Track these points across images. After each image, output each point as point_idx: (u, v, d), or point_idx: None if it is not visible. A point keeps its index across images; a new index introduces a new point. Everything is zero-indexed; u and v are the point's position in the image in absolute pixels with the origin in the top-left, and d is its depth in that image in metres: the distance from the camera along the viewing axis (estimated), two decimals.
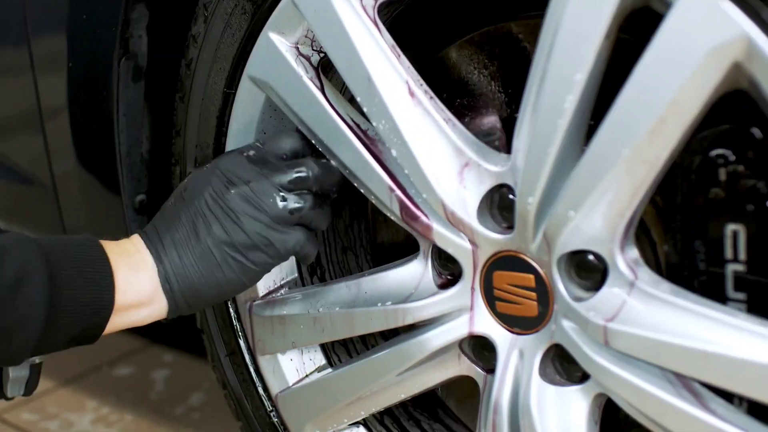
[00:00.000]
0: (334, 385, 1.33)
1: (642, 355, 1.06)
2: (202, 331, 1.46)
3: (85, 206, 1.55)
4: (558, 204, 1.07)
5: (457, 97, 1.30)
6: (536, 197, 1.09)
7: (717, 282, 1.09)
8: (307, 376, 1.38)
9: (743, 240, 1.06)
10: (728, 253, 1.07)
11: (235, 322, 1.41)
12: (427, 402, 1.47)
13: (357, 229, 1.45)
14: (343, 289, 1.30)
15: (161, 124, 1.45)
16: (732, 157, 1.07)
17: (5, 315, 1.11)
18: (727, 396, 1.06)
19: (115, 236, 1.26)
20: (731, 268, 1.07)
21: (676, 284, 1.07)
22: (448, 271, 1.23)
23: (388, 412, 1.42)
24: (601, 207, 1.05)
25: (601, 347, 1.09)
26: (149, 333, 2.15)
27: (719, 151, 1.07)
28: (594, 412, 1.15)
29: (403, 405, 1.44)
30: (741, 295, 1.07)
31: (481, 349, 1.23)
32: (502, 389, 1.19)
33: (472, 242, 1.18)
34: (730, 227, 1.07)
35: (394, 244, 1.45)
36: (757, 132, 1.05)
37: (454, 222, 1.17)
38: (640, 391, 1.07)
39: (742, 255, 1.06)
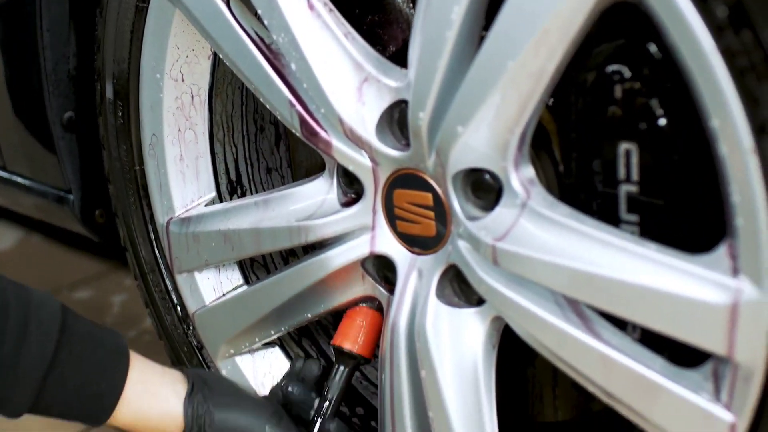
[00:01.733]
0: (244, 303, 1.32)
1: (529, 275, 1.04)
2: (125, 249, 1.45)
3: (15, 127, 1.54)
4: (447, 119, 1.04)
5: (368, 13, 1.27)
6: (427, 112, 1.06)
7: (611, 203, 1.06)
8: (224, 295, 1.37)
9: (636, 160, 1.03)
10: (621, 174, 1.04)
11: (154, 240, 1.40)
12: None
13: (282, 150, 1.42)
14: (251, 207, 1.28)
15: (89, 40, 1.43)
16: (628, 74, 1.03)
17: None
18: (622, 325, 1.05)
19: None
20: (624, 189, 1.04)
21: (573, 206, 1.04)
22: (352, 190, 1.21)
23: (307, 333, 1.41)
24: (489, 122, 1.02)
25: (492, 268, 1.07)
26: (115, 256, 2.16)
27: (615, 67, 1.04)
28: (492, 336, 1.13)
29: (323, 327, 1.43)
30: (633, 217, 1.04)
31: (384, 270, 1.21)
32: (400, 309, 1.17)
33: (372, 160, 1.15)
34: (624, 146, 1.03)
35: (314, 164, 1.43)
36: (653, 48, 1.01)
37: (353, 138, 1.15)
38: (528, 313, 1.05)
39: (635, 175, 1.03)
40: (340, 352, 1.26)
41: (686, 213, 1.01)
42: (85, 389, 1.17)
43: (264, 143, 1.40)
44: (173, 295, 1.40)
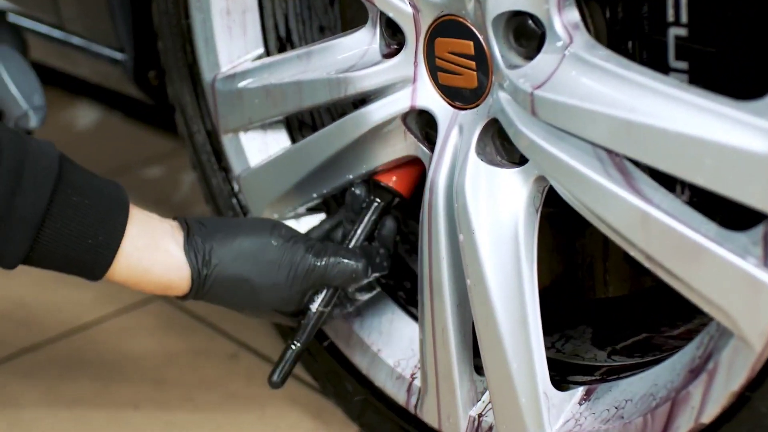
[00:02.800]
0: (286, 164, 1.27)
1: (567, 126, 0.95)
2: (173, 108, 1.40)
3: None
4: None
5: None
6: None
7: (660, 50, 0.96)
8: (269, 157, 1.31)
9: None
10: (670, 15, 0.94)
11: (199, 97, 1.35)
12: None
13: (337, 9, 1.35)
14: (294, 60, 1.21)
15: None
16: None
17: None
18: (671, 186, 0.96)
19: None
20: (673, 33, 0.95)
21: (619, 53, 0.95)
22: (394, 41, 1.13)
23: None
24: None
25: (531, 120, 0.99)
26: None
27: None
28: (535, 198, 1.05)
29: None
30: (683, 64, 0.95)
31: (426, 127, 1.14)
32: (439, 168, 1.09)
33: (413, 5, 1.07)
34: None
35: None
36: None
37: None
38: (566, 168, 0.96)
39: (684, 17, 0.93)
40: (377, 185, 1.20)
41: (738, 58, 0.92)
42: (82, 241, 1.12)
43: (317, 1, 1.33)
44: (219, 157, 1.35)
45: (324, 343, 1.32)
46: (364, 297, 1.25)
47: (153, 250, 1.16)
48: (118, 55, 1.49)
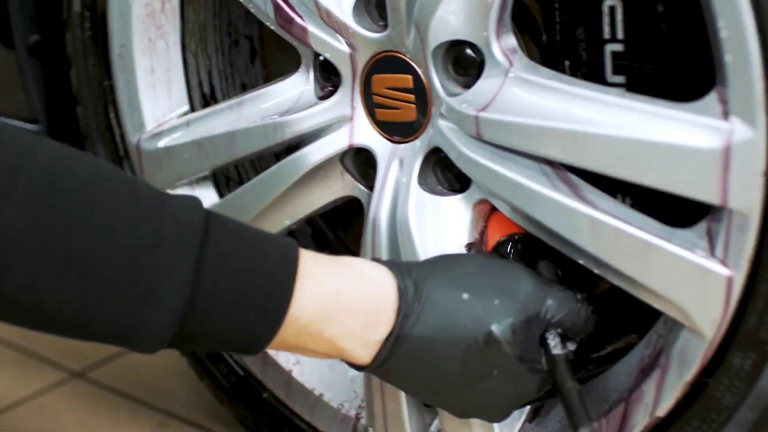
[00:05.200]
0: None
1: (514, 143, 1.01)
2: None
3: None
4: None
5: None
6: None
7: (597, 68, 1.03)
8: None
9: (620, 15, 1.01)
10: (606, 32, 1.01)
11: (124, 159, 1.36)
12: (329, 247, 1.41)
13: (258, 66, 1.39)
14: (225, 111, 1.24)
15: None
16: None
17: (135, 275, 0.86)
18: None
19: None
20: (610, 49, 1.01)
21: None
22: (330, 83, 1.17)
23: None
24: None
25: (475, 144, 1.04)
26: None
27: None
28: (477, 223, 1.10)
29: None
30: (620, 79, 1.02)
31: (364, 166, 1.17)
32: (380, 203, 1.13)
33: (349, 45, 1.12)
34: (608, 3, 1.01)
35: None
36: None
37: (329, 23, 1.11)
38: (514, 185, 1.01)
39: (620, 33, 1.00)
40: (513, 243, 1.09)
41: (674, 67, 0.99)
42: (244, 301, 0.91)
43: (239, 58, 1.37)
44: None
45: (263, 395, 1.32)
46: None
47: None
48: (31, 127, 1.49)
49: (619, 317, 1.19)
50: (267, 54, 1.38)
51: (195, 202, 0.91)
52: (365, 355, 0.98)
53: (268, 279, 0.92)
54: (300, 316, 0.93)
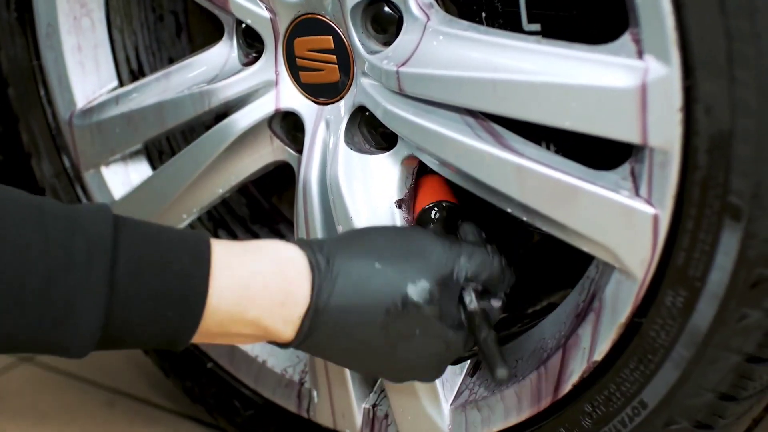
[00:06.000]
0: (150, 191, 1.27)
1: (435, 95, 1.00)
2: (30, 155, 1.39)
3: None
4: None
5: None
6: None
7: (513, 17, 1.03)
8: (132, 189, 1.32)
9: None
10: None
11: (57, 139, 1.35)
12: (264, 215, 1.41)
13: (184, 40, 1.39)
14: (153, 83, 1.23)
15: None
16: None
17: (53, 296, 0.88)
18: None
19: None
20: None
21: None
22: (253, 49, 1.17)
23: (222, 224, 1.37)
24: None
25: (398, 99, 1.04)
26: None
27: None
28: (407, 179, 1.10)
29: (240, 219, 1.39)
30: (536, 27, 1.02)
31: (293, 130, 1.17)
32: (310, 164, 1.13)
33: (269, 9, 1.11)
34: None
35: None
36: None
37: None
38: (438, 137, 1.01)
39: None
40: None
41: (588, 13, 0.99)
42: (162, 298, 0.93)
43: (164, 32, 1.36)
44: (82, 197, 1.35)
45: (208, 365, 1.32)
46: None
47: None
48: None
49: (553, 272, 1.20)
50: (193, 27, 1.37)
51: (103, 210, 0.93)
52: (289, 331, 1.00)
53: (182, 276, 0.94)
54: (219, 305, 0.95)
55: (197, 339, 0.97)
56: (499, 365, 0.98)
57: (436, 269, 1.01)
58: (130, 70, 1.33)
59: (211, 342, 1.01)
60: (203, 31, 1.37)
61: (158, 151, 1.34)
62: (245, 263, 0.98)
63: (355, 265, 1.00)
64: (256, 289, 0.97)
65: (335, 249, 1.01)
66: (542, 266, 1.23)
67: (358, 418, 1.19)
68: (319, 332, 0.99)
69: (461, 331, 1.02)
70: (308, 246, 1.01)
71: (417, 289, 0.99)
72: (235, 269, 0.97)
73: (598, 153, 0.97)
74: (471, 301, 1.02)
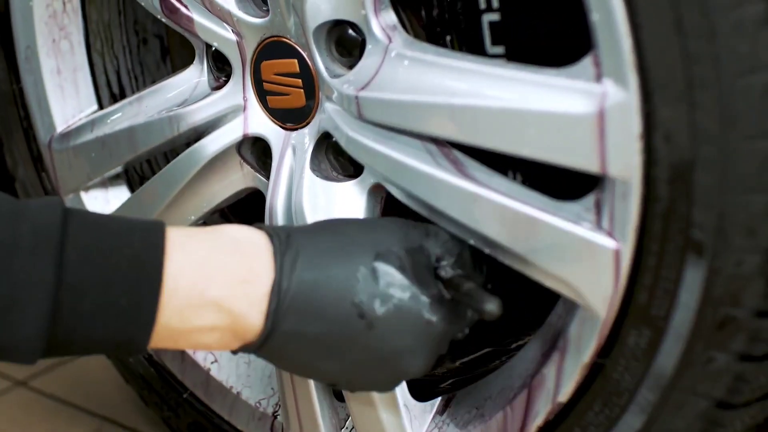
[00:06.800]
0: (129, 213, 1.24)
1: (393, 121, 0.96)
2: (14, 178, 1.37)
3: None
4: None
5: None
6: None
7: (477, 40, 0.99)
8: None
9: None
10: (482, 2, 0.97)
11: (37, 163, 1.33)
12: None
13: (170, 65, 1.36)
14: (126, 107, 1.20)
15: None
16: None
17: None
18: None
19: None
20: (487, 19, 0.97)
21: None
22: (223, 73, 1.14)
23: None
24: None
25: (359, 124, 0.99)
26: None
27: None
28: (373, 209, 1.05)
29: None
30: (499, 49, 0.97)
31: (264, 156, 1.13)
32: (276, 191, 1.09)
33: (236, 32, 1.08)
34: None
35: None
36: None
37: (213, 11, 1.08)
38: (398, 165, 0.97)
39: (495, 1, 0.96)
40: None
41: (552, 34, 0.94)
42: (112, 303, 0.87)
43: (148, 56, 1.33)
44: None
45: (184, 395, 1.29)
46: None
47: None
48: None
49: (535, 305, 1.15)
50: (173, 50, 1.35)
51: (53, 202, 0.87)
52: (255, 315, 0.91)
53: (134, 260, 0.87)
54: (176, 287, 0.88)
55: (159, 340, 0.90)
56: (486, 300, 0.90)
57: (404, 241, 0.95)
58: (111, 94, 1.31)
59: (175, 345, 0.93)
60: (182, 54, 1.34)
61: (139, 176, 1.31)
62: (201, 243, 0.92)
63: (319, 239, 0.95)
64: (215, 266, 0.91)
65: (296, 229, 0.96)
66: (526, 299, 1.18)
67: None
68: (289, 316, 0.92)
69: (442, 308, 0.95)
70: (264, 227, 0.96)
71: (386, 256, 0.93)
72: (190, 250, 0.90)
73: (566, 183, 0.92)
74: (447, 272, 0.96)
